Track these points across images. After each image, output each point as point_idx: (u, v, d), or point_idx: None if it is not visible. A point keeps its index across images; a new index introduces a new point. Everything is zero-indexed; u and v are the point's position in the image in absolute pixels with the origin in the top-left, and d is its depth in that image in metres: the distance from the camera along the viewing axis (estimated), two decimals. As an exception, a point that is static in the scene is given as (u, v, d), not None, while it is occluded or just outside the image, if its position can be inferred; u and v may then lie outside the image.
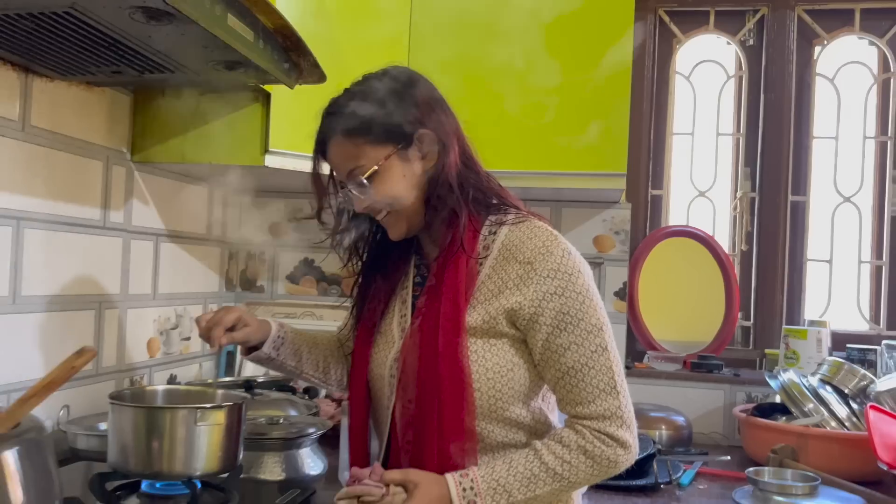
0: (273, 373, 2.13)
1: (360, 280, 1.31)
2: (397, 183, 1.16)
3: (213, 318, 1.25)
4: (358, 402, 1.24)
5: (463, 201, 1.16)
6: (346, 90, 1.20)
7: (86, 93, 1.62)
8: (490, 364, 1.13)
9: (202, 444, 1.12)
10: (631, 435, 1.12)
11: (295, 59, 1.49)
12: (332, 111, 1.19)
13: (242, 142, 1.74)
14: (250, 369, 2.21)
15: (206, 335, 1.25)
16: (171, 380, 2.01)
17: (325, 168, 1.26)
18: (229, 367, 2.24)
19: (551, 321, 1.11)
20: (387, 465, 1.20)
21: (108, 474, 1.15)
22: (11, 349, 1.44)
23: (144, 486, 1.19)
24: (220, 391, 1.30)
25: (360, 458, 1.22)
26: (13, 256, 1.44)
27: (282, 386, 1.97)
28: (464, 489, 1.07)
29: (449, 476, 1.08)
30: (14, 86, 1.43)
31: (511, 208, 1.21)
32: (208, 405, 1.15)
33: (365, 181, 1.15)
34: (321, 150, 1.22)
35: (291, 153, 1.77)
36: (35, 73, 1.48)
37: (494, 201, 1.21)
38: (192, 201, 2.09)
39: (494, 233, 1.18)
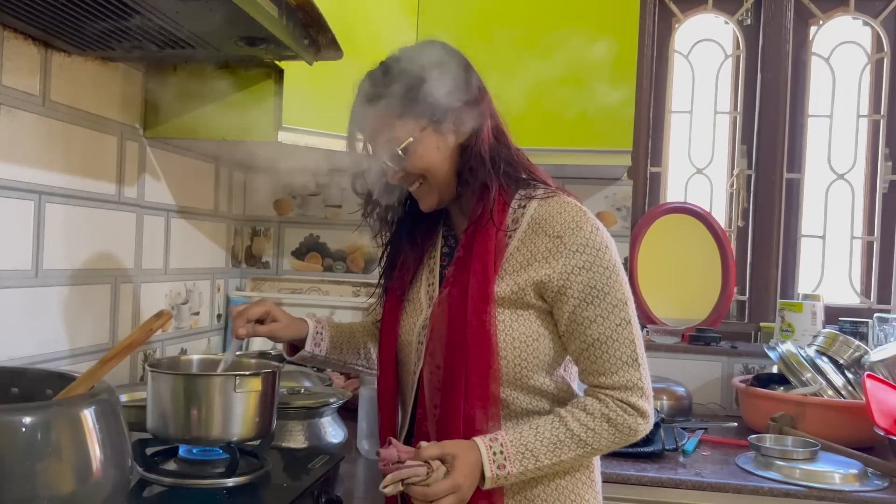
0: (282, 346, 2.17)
1: (388, 250, 1.34)
2: (431, 155, 1.19)
3: (242, 309, 1.27)
4: (388, 367, 1.27)
5: (494, 174, 1.19)
6: (383, 63, 1.22)
7: (101, 68, 1.63)
8: (516, 334, 1.16)
9: (239, 410, 1.15)
10: (649, 405, 1.16)
11: (314, 35, 1.50)
12: (368, 83, 1.22)
13: (255, 118, 1.75)
14: (259, 343, 2.24)
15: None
16: (182, 354, 2.03)
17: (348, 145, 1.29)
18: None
19: (579, 294, 1.14)
20: (413, 429, 1.24)
21: (147, 440, 1.18)
22: (34, 321, 1.45)
23: (182, 451, 1.22)
24: (253, 360, 1.33)
25: (389, 420, 1.25)
26: (36, 230, 1.45)
27: (290, 363, 2.00)
28: (494, 453, 1.10)
29: (479, 440, 1.11)
30: (35, 60, 1.43)
31: (540, 184, 1.23)
32: (246, 372, 1.18)
33: (400, 152, 1.18)
34: (357, 121, 1.25)
35: (305, 129, 1.79)
36: (54, 48, 1.48)
37: (524, 176, 1.23)
38: (200, 177, 2.10)
39: (524, 206, 1.20)
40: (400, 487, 1.07)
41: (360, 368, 1.42)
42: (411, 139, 1.18)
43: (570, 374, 1.24)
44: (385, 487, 1.07)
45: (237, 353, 1.29)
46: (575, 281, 1.14)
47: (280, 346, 2.16)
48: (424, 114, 1.18)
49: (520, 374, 1.17)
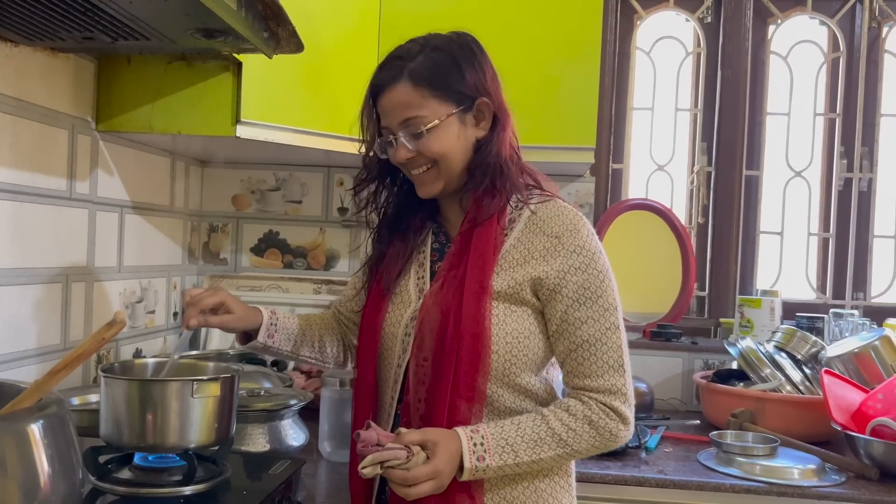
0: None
1: (378, 241, 1.32)
2: (451, 142, 1.19)
3: (195, 297, 1.23)
4: (369, 360, 1.25)
5: (506, 174, 1.20)
6: (413, 40, 1.21)
7: (50, 59, 1.57)
8: (509, 329, 1.16)
9: (197, 416, 1.11)
10: (631, 412, 1.16)
11: (274, 28, 1.46)
12: (399, 55, 1.20)
13: (212, 112, 1.71)
14: (216, 342, 2.20)
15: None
16: (137, 354, 1.98)
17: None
18: (194, 341, 2.21)
19: (572, 294, 1.14)
20: (396, 424, 1.22)
21: (100, 448, 1.13)
22: (-20, 324, 1.40)
23: (137, 458, 1.17)
24: (211, 364, 1.29)
25: (365, 415, 1.23)
26: (-19, 228, 1.40)
27: (252, 359, 1.96)
28: (474, 444, 1.10)
29: (460, 430, 1.11)
30: (-22, 50, 1.37)
31: (537, 188, 1.25)
32: (204, 377, 1.14)
33: (423, 131, 1.17)
34: (376, 94, 1.22)
35: (263, 124, 1.75)
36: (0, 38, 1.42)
37: (530, 181, 1.25)
38: (156, 172, 2.04)
39: (520, 207, 1.21)
40: (378, 470, 1.05)
41: (312, 361, 1.39)
42: (437, 121, 1.17)
43: (553, 377, 1.24)
44: (364, 468, 1.05)
45: (184, 352, 1.24)
46: (570, 281, 1.14)
47: (237, 345, 2.13)
48: (454, 99, 1.18)
49: (508, 371, 1.16)
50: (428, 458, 1.07)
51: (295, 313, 1.40)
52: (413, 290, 1.24)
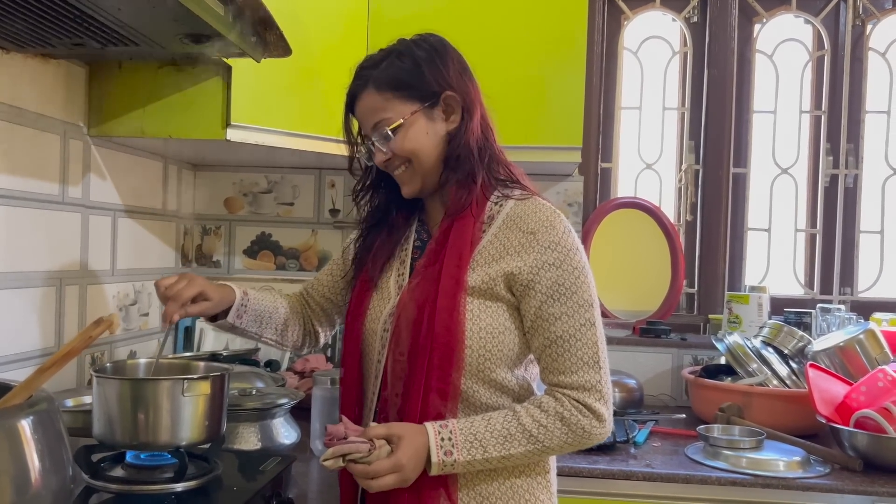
0: (233, 346, 2.16)
1: (366, 235, 1.34)
2: (420, 139, 1.22)
3: (172, 290, 1.23)
4: (353, 355, 1.27)
5: (480, 165, 1.22)
6: (381, 49, 1.26)
7: (42, 65, 1.59)
8: (483, 324, 1.16)
9: (188, 414, 1.13)
10: (607, 410, 1.16)
11: (262, 32, 1.49)
12: (365, 66, 1.25)
13: (203, 115, 1.73)
14: (210, 343, 2.22)
15: (164, 305, 1.24)
16: (131, 356, 2.00)
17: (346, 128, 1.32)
18: (188, 342, 2.23)
19: (546, 290, 1.15)
20: (376, 419, 1.23)
21: (93, 446, 1.15)
22: (-25, 327, 1.42)
23: (129, 457, 1.20)
24: (201, 363, 1.31)
25: (350, 409, 1.25)
26: (-26, 233, 1.42)
27: (245, 360, 1.99)
28: (442, 439, 1.11)
29: (428, 425, 1.12)
30: (-30, 57, 1.39)
31: (518, 185, 1.26)
32: (194, 376, 1.16)
33: (389, 133, 1.21)
34: (351, 105, 1.27)
35: (253, 127, 1.77)
36: (-9, 45, 1.44)
37: (503, 175, 1.26)
38: (148, 176, 2.06)
39: (500, 204, 1.23)
40: (341, 463, 1.07)
41: (271, 343, 1.41)
42: (401, 121, 1.20)
43: (532, 374, 1.25)
44: (326, 461, 1.07)
45: (167, 353, 1.26)
46: (544, 276, 1.15)
47: (231, 346, 2.15)
48: (417, 97, 1.21)
49: (483, 366, 1.17)
50: (392, 451, 1.08)
51: (265, 291, 1.41)
52: (393, 286, 1.26)
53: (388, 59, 1.23)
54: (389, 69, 1.22)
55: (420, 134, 1.22)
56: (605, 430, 1.17)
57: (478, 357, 1.16)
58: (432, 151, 1.23)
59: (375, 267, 1.29)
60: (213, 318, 1.34)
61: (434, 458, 1.10)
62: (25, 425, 0.70)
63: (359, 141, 1.31)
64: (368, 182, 1.34)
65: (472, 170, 1.21)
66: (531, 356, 1.23)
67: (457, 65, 1.25)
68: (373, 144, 1.24)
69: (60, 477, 0.74)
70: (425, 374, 1.14)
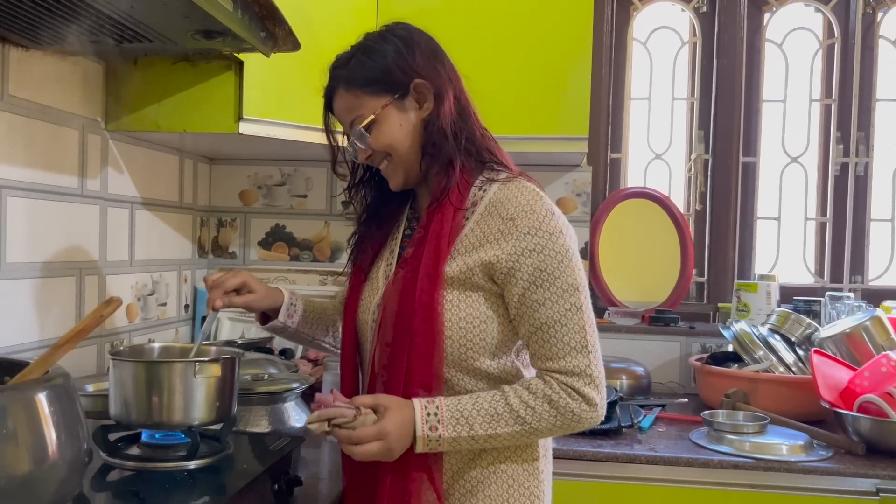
0: (250, 335, 2.21)
1: (360, 228, 1.37)
2: (394, 132, 1.22)
3: (217, 280, 1.29)
4: (347, 344, 1.30)
5: (456, 150, 1.21)
6: (352, 46, 1.27)
7: (60, 62, 1.64)
8: (463, 314, 1.16)
9: (199, 395, 1.18)
10: (598, 394, 1.15)
11: (271, 27, 1.53)
12: (336, 66, 1.26)
13: (216, 110, 1.77)
14: (227, 332, 2.27)
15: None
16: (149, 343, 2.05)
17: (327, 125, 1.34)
18: (205, 332, 2.29)
19: (528, 277, 1.14)
20: None
21: (110, 426, 1.21)
22: (-1, 314, 1.48)
23: (145, 436, 1.25)
24: (213, 347, 1.36)
25: (346, 395, 1.27)
26: (-3, 224, 1.47)
27: (260, 347, 2.04)
28: (428, 413, 1.11)
29: (416, 400, 1.13)
30: (-8, 55, 1.45)
31: (503, 168, 1.24)
32: (206, 358, 1.21)
33: (363, 130, 1.21)
34: (329, 106, 1.29)
35: (265, 120, 1.81)
36: (11, 43, 1.49)
37: (486, 157, 1.24)
38: (164, 169, 2.12)
39: (484, 189, 1.21)
40: (325, 427, 1.09)
41: (326, 346, 1.45)
42: (373, 116, 1.21)
43: (523, 360, 1.25)
44: (311, 424, 1.10)
45: (206, 338, 1.31)
46: (524, 263, 1.14)
47: (247, 335, 2.21)
48: (385, 91, 1.21)
49: (464, 356, 1.18)
50: (377, 420, 1.10)
51: (311, 298, 1.45)
52: (381, 277, 1.28)
53: (356, 56, 1.24)
54: (356, 66, 1.23)
55: (393, 127, 1.22)
56: (597, 414, 1.16)
57: (459, 347, 1.17)
58: (408, 142, 1.23)
59: (366, 258, 1.31)
60: (264, 322, 1.38)
61: (419, 432, 1.11)
62: (42, 398, 0.75)
63: (343, 141, 1.31)
64: (357, 179, 1.36)
65: (450, 155, 1.20)
66: (521, 342, 1.23)
67: (425, 50, 1.24)
68: (353, 143, 1.25)
69: (75, 448, 0.79)
70: (406, 365, 1.15)
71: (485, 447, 1.17)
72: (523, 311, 1.16)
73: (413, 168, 1.25)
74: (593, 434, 1.77)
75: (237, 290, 1.31)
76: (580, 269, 1.17)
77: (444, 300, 1.16)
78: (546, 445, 1.27)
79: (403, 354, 1.16)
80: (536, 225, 1.15)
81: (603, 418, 1.17)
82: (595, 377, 1.15)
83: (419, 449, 1.12)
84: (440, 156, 1.21)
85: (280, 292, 1.37)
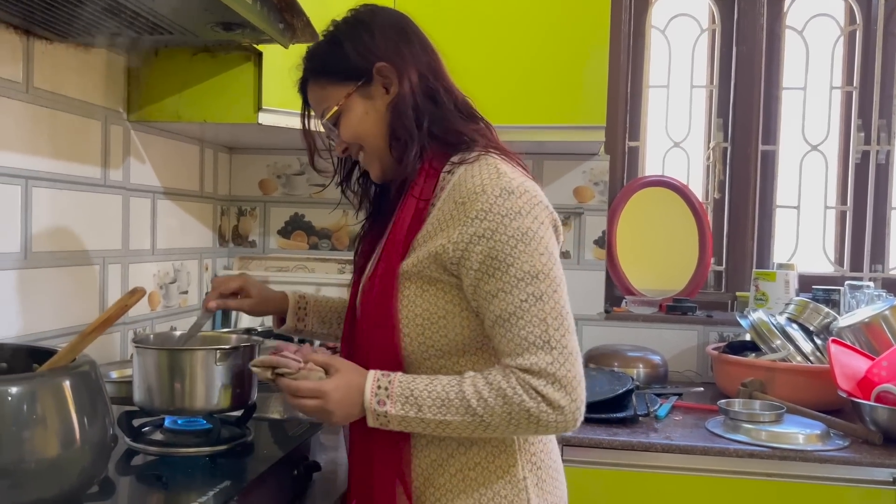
0: (269, 323, 2.23)
1: (364, 223, 1.34)
2: (360, 121, 1.15)
3: (218, 280, 1.31)
4: (344, 334, 1.28)
5: (415, 133, 1.11)
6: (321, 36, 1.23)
7: (83, 54, 1.67)
8: (419, 310, 1.08)
9: (221, 382, 1.21)
10: (565, 396, 1.01)
11: (289, 19, 1.54)
12: (305, 57, 1.22)
13: (235, 100, 1.80)
14: (246, 321, 2.30)
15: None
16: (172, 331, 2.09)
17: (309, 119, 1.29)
18: (225, 319, 2.32)
19: (478, 265, 1.03)
20: None
21: (134, 412, 1.24)
22: (25, 302, 1.51)
23: (168, 422, 1.28)
24: (233, 335, 1.39)
25: None
26: (23, 214, 1.50)
27: (279, 336, 2.06)
28: (379, 387, 1.04)
29: (372, 371, 1.06)
30: (17, 48, 1.47)
31: (477, 147, 1.12)
32: (226, 346, 1.23)
33: (328, 123, 1.17)
34: (306, 100, 1.25)
35: (284, 111, 1.83)
36: (35, 36, 1.52)
37: (454, 140, 1.13)
38: (185, 159, 2.15)
39: (452, 172, 1.11)
40: (269, 375, 1.09)
41: None
42: (336, 107, 1.15)
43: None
44: (254, 366, 1.11)
45: (197, 333, 1.33)
46: (473, 251, 1.03)
47: (266, 322, 2.23)
48: (347, 79, 1.15)
49: (426, 354, 1.09)
50: (322, 377, 1.07)
51: (328, 297, 1.45)
52: (369, 269, 1.22)
53: (321, 45, 1.19)
54: (319, 56, 1.18)
55: (359, 116, 1.15)
56: (563, 418, 1.01)
57: (418, 346, 1.09)
58: (377, 130, 1.15)
59: (365, 252, 1.27)
60: (280, 325, 1.40)
61: (367, 404, 1.04)
62: (70, 385, 0.78)
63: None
64: (345, 174, 1.30)
65: (413, 140, 1.11)
66: None
67: (388, 31, 1.16)
68: (329, 136, 1.20)
69: (101, 433, 0.82)
70: (366, 362, 1.09)
71: (439, 434, 1.06)
72: (479, 303, 1.05)
73: (387, 157, 1.16)
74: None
75: (236, 293, 1.31)
76: (543, 253, 1.03)
77: (399, 296, 1.08)
78: (532, 451, 1.14)
79: (366, 351, 1.12)
80: (486, 207, 1.03)
81: (576, 424, 1.03)
82: (560, 377, 1.00)
83: (370, 423, 1.05)
84: (402, 143, 1.12)
85: (285, 297, 1.36)
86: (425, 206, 1.10)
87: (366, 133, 1.16)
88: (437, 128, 1.13)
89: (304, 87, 1.24)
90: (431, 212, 1.10)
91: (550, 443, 1.19)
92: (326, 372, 1.08)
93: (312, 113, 1.27)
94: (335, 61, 1.16)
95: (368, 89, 1.15)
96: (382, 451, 1.10)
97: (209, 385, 1.20)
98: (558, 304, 1.02)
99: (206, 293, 2.27)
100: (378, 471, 1.10)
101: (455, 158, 1.12)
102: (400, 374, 1.06)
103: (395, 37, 1.16)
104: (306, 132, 1.26)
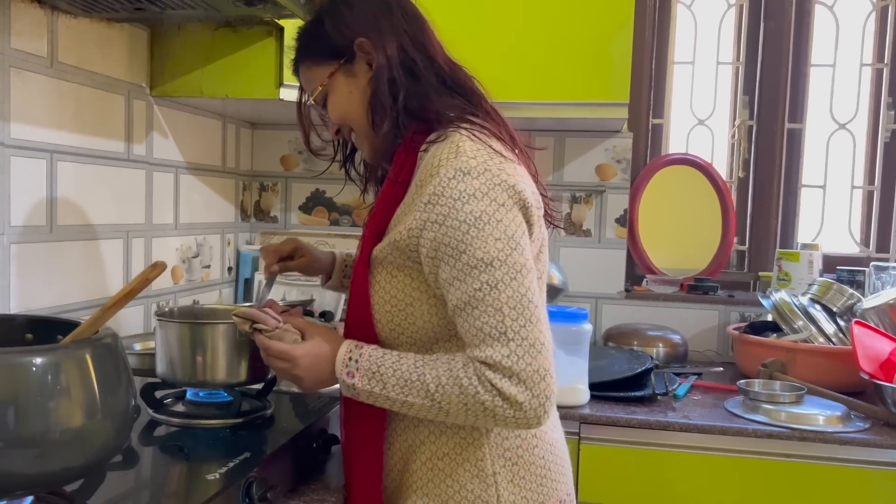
0: (291, 298, 2.26)
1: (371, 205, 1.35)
2: (345, 101, 1.12)
3: (271, 247, 1.33)
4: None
5: (390, 111, 1.07)
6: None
7: (107, 29, 1.68)
8: (388, 297, 1.05)
9: (242, 356, 1.22)
10: (524, 391, 0.94)
11: (310, -7, 1.54)
12: (294, 38, 1.20)
13: (257, 76, 1.80)
14: (295, 294, 2.32)
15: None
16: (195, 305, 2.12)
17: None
18: (247, 293, 2.35)
19: (433, 253, 0.98)
20: None
21: (157, 384, 1.26)
22: (51, 275, 1.53)
23: (189, 394, 1.30)
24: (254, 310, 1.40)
25: None
26: (49, 188, 1.52)
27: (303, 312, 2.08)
28: (350, 358, 1.03)
29: (346, 342, 1.05)
30: (42, 22, 1.48)
31: (458, 122, 1.06)
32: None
33: (313, 102, 1.15)
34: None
35: (305, 86, 1.83)
36: (60, 10, 1.53)
37: (432, 115, 1.07)
38: (208, 134, 2.16)
39: (426, 151, 1.05)
40: (247, 328, 1.11)
41: None
42: (320, 88, 1.13)
43: None
44: (235, 315, 1.14)
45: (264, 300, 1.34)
46: (426, 237, 0.98)
47: (287, 297, 2.26)
48: (329, 57, 1.12)
49: (398, 340, 1.07)
50: (296, 340, 1.08)
51: None
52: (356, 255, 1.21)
53: (306, 25, 1.17)
54: (304, 37, 1.16)
55: (343, 96, 1.12)
56: (523, 415, 0.95)
57: (389, 332, 1.06)
58: (361, 110, 1.11)
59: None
60: (326, 282, 1.41)
61: (337, 374, 1.03)
62: (92, 356, 0.79)
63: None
64: (348, 154, 1.28)
65: (389, 117, 1.07)
66: None
67: (368, 4, 1.11)
68: (322, 117, 1.17)
69: (124, 404, 0.83)
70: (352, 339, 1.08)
71: (406, 413, 1.03)
72: (441, 292, 1.01)
73: (374, 137, 1.12)
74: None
75: (291, 256, 1.34)
76: (500, 238, 0.96)
77: (371, 281, 1.07)
78: (505, 445, 1.07)
79: (351, 332, 1.10)
80: (439, 191, 0.97)
81: (540, 421, 0.97)
82: (518, 370, 0.94)
83: (343, 392, 1.05)
84: (381, 120, 1.08)
85: (333, 256, 1.39)
86: (401, 188, 1.06)
87: (351, 112, 1.13)
88: (415, 103, 1.08)
89: (297, 69, 1.22)
90: (407, 195, 1.05)
91: (535, 438, 1.09)
92: (303, 337, 1.09)
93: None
94: (318, 40, 1.14)
95: (352, 67, 1.11)
96: (359, 426, 1.10)
97: (230, 358, 1.22)
98: (517, 292, 0.95)
99: (233, 266, 2.31)
100: (355, 448, 1.11)
101: (431, 137, 1.06)
102: (372, 347, 1.04)
103: (375, 9, 1.11)
104: (301, 114, 1.23)
